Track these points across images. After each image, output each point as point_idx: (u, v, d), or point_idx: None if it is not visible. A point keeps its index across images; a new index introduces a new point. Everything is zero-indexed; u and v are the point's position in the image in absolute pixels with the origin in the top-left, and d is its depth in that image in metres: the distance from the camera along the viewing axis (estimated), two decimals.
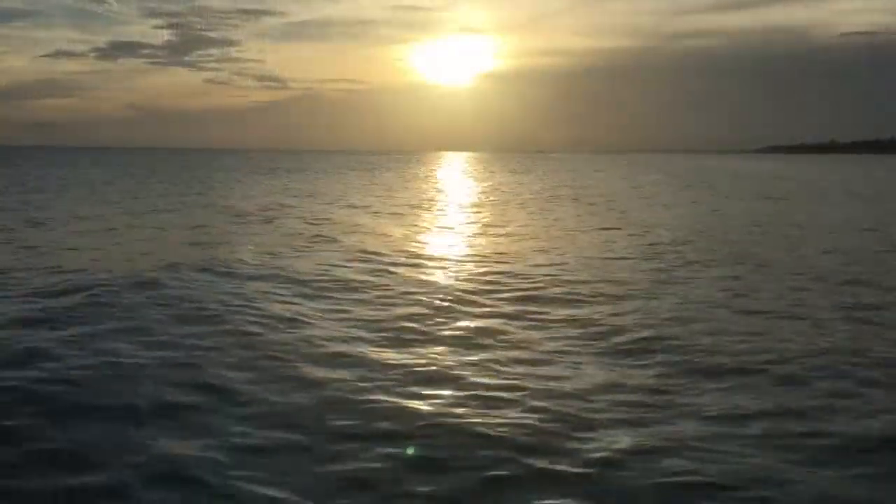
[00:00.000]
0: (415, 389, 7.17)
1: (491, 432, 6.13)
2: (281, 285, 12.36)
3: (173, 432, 6.16)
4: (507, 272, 13.86)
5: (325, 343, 8.77)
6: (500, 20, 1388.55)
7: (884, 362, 8.15)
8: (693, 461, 5.66)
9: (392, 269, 14.27)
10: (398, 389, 7.17)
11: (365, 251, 16.52)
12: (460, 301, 11.19)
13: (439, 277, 13.43)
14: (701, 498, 5.19)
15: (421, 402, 6.84)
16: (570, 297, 11.65)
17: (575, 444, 5.95)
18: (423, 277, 13.41)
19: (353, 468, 5.58)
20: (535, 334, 9.37)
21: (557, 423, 6.35)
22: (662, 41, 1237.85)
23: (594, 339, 9.11)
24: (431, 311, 10.48)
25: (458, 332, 9.39)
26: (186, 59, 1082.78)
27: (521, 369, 7.86)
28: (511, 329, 9.60)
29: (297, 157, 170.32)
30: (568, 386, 7.31)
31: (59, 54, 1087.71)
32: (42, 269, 13.62)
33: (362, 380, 7.43)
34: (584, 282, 12.92)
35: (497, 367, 7.93)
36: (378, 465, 5.63)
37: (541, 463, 5.63)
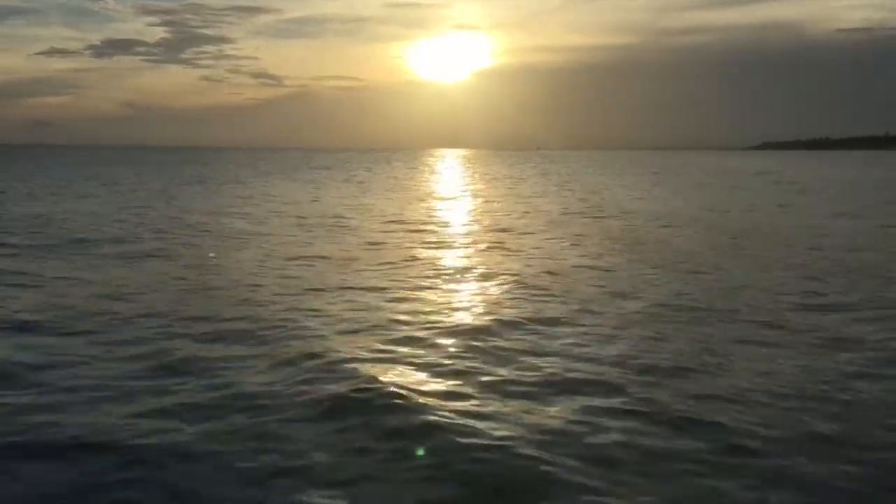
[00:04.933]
0: None
1: None
2: None
3: None
4: None
5: None
6: (496, 17, 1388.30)
7: None
8: None
9: None
10: None
11: None
12: None
13: None
14: None
15: None
16: None
17: None
18: None
19: None
20: None
21: None
22: (656, 38, 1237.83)
23: None
24: None
25: None
26: (182, 56, 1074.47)
27: None
28: None
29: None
30: None
31: (53, 52, 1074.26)
32: None
33: None
34: None
35: None
36: None
37: None
